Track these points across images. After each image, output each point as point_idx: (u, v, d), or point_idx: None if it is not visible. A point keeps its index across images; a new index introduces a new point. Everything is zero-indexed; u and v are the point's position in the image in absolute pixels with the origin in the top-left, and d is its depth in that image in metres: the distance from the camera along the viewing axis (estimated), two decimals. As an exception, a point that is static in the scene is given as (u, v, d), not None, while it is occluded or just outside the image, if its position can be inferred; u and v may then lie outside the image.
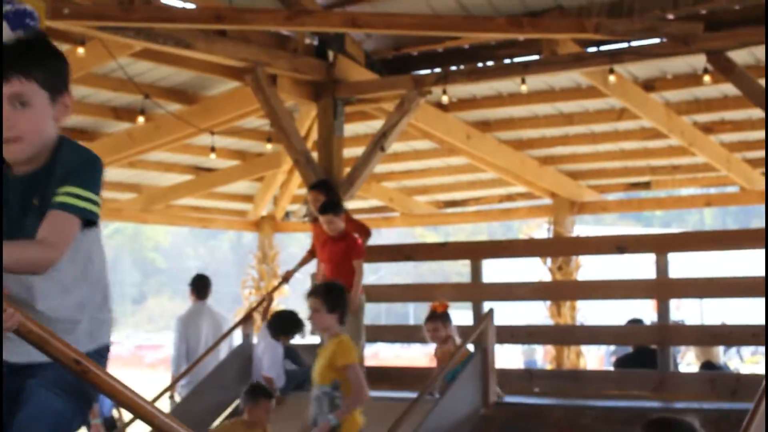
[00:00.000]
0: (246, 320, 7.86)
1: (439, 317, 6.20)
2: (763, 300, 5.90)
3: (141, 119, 7.95)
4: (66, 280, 1.82)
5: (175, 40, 6.52)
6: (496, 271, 13.54)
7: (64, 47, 5.94)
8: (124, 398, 1.83)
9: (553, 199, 10.31)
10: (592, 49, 7.06)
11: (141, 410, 1.88)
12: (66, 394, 1.82)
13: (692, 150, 8.78)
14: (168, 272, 36.51)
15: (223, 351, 7.86)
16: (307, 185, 7.82)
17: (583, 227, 12.79)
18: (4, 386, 1.84)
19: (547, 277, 9.86)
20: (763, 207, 9.51)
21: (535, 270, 10.19)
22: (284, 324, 6.93)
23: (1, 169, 1.83)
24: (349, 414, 4.50)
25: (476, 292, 7.57)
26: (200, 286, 8.31)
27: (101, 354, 1.94)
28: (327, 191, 7.17)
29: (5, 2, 4.33)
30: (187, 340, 8.03)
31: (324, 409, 4.44)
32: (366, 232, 7.38)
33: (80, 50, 6.56)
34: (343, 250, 6.76)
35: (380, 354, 18.10)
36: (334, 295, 4.70)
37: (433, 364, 6.87)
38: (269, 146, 9.27)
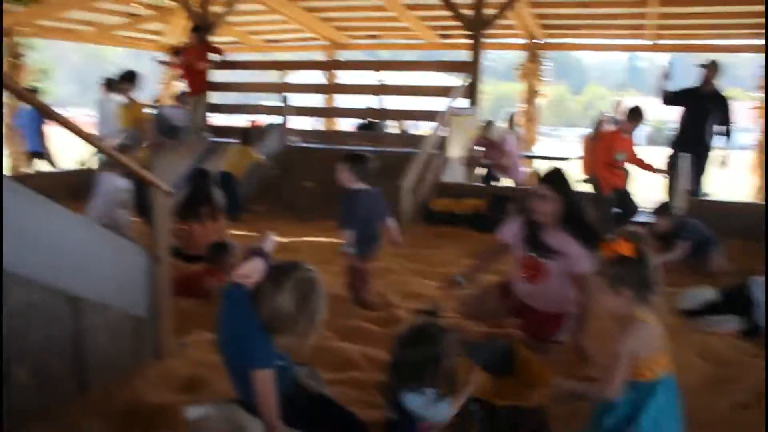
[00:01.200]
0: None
1: None
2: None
3: None
4: None
5: None
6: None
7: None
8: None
9: (328, 42, 14.81)
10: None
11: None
12: None
13: (400, 18, 12.85)
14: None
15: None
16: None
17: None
18: None
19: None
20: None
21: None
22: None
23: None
24: None
25: (284, 88, 11.74)
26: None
27: None
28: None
29: None
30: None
31: None
32: (219, 52, 10.72)
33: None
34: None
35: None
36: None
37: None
38: (171, 1, 12.67)
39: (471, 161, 9.52)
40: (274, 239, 2.80)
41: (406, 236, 6.87)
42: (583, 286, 3.66)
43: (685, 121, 8.44)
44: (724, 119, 8.23)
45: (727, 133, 8.29)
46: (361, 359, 3.76)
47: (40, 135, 10.66)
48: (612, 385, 2.44)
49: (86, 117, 15.96)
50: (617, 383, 2.44)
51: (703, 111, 8.22)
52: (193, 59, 10.18)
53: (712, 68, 8.23)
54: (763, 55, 11.13)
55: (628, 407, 2.49)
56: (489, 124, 10.02)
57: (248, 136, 8.82)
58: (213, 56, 10.46)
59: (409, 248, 6.42)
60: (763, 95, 11.50)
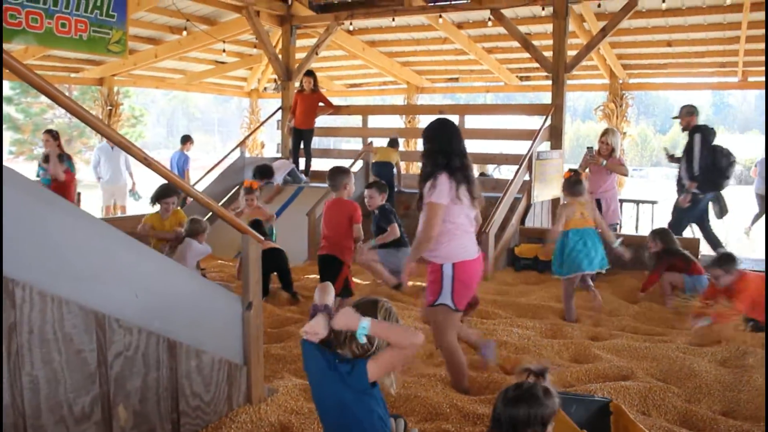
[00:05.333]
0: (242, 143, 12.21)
1: None
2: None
3: (185, 33, 11.62)
4: None
5: None
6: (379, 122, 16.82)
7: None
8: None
9: (407, 85, 15.03)
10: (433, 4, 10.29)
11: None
12: None
13: (480, 61, 13.13)
14: (202, 119, 59.76)
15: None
16: (277, 75, 11.80)
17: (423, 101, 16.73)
18: None
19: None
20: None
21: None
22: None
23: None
24: None
25: (365, 132, 11.77)
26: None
27: None
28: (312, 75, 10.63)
29: None
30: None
31: None
32: (331, 104, 10.91)
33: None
34: (315, 102, 10.54)
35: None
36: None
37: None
38: (255, 50, 13.42)
39: None
40: (332, 294, 2.90)
41: (493, 282, 6.96)
42: None
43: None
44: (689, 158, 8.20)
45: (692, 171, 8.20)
46: (449, 409, 3.70)
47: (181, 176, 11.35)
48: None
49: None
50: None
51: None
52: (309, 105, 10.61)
53: (679, 117, 8.43)
54: None
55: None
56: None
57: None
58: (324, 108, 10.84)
59: (496, 294, 6.52)
60: None
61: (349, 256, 5.69)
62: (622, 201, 8.33)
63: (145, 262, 3.10)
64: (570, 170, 6.36)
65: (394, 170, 9.64)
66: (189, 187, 3.70)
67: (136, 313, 2.96)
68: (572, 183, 5.89)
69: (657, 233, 6.68)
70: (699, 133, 8.13)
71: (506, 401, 2.48)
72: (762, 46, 11.06)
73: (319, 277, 5.95)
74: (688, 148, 8.20)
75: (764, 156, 11.83)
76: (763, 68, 11.97)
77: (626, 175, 8.10)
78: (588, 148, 8.30)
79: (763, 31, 10.49)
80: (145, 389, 3.01)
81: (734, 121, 66.91)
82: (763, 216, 11.90)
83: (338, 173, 5.81)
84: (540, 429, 2.45)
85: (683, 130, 8.40)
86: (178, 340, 3.16)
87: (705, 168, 8.06)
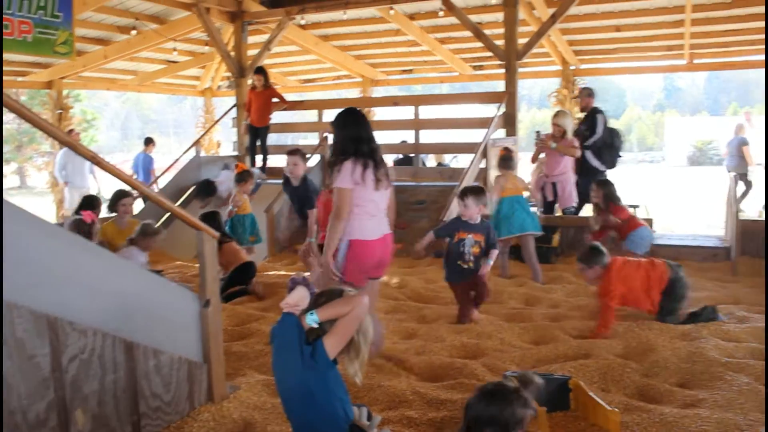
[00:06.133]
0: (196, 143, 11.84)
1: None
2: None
3: (134, 32, 11.43)
4: None
5: None
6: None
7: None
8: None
9: (362, 78, 15.06)
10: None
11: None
12: None
13: (433, 52, 13.07)
14: (157, 121, 57.79)
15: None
16: (230, 72, 11.57)
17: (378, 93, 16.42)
18: None
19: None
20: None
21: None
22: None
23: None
24: None
25: (321, 127, 11.07)
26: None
27: None
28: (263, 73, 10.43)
29: None
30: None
31: None
32: (284, 99, 10.75)
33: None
34: (268, 98, 10.38)
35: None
36: None
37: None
38: (207, 48, 13.23)
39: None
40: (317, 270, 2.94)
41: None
42: None
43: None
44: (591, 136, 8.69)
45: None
46: (413, 396, 3.72)
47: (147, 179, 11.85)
48: (491, 195, 6.46)
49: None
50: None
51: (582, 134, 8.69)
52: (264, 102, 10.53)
53: (579, 97, 8.99)
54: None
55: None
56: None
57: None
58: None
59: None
60: None
61: None
62: (577, 183, 8.38)
63: (100, 263, 3.05)
64: (503, 148, 7.56)
65: None
66: (141, 185, 3.64)
67: (91, 315, 2.91)
68: (505, 158, 7.15)
69: (599, 183, 6.87)
70: (601, 114, 8.69)
71: (481, 395, 2.51)
72: (707, 28, 11.31)
73: None
74: (591, 126, 8.62)
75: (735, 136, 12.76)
76: (709, 50, 12.29)
77: (575, 156, 8.18)
78: (536, 132, 8.43)
79: (706, 14, 10.75)
80: (103, 392, 2.96)
81: (684, 104, 68.29)
82: (749, 193, 12.62)
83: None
84: (513, 429, 2.47)
85: (581, 110, 8.95)
86: (135, 340, 3.11)
87: (603, 146, 8.63)
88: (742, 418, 3.33)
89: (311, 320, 2.63)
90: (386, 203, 4.29)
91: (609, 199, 6.63)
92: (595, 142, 8.61)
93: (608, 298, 4.87)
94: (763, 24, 10.90)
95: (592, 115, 8.72)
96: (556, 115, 8.43)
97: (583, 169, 8.58)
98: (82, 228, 5.81)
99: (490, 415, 2.45)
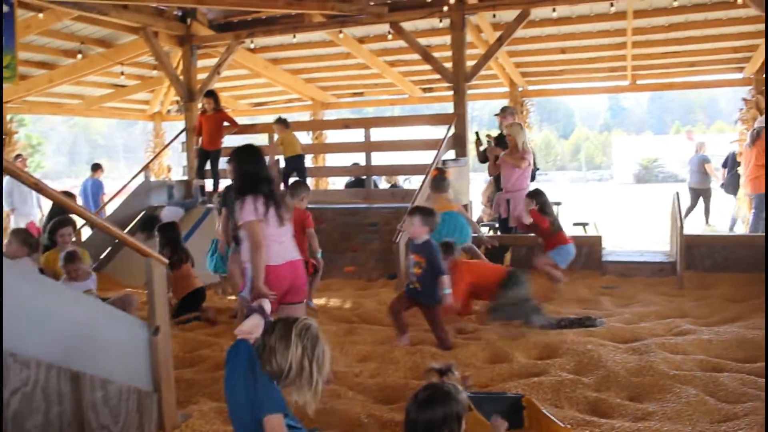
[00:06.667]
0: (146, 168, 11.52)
1: None
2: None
3: (79, 56, 11.20)
4: None
5: (97, 10, 9.43)
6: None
7: (30, 13, 9.25)
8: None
9: (312, 101, 15.14)
10: (332, 20, 10.11)
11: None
12: None
13: (383, 75, 13.21)
14: (106, 146, 56.44)
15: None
16: (179, 96, 11.58)
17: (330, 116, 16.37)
18: None
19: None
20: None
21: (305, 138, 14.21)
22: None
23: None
24: None
25: (273, 150, 10.83)
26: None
27: None
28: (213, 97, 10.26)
29: None
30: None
31: None
32: (234, 122, 10.62)
33: (40, 15, 9.26)
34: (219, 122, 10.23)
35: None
36: None
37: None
38: (155, 72, 13.07)
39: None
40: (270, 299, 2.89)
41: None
42: None
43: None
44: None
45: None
46: (368, 420, 3.70)
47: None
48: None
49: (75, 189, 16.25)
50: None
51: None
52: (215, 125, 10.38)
53: (501, 114, 9.09)
54: (736, 89, 11.64)
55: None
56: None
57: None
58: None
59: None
60: (744, 127, 11.93)
61: (305, 257, 5.85)
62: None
63: (43, 292, 2.97)
64: (436, 168, 7.53)
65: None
66: (86, 211, 3.57)
67: (35, 346, 2.82)
68: (437, 180, 7.04)
69: (532, 194, 7.13)
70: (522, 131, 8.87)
71: (419, 405, 2.48)
72: (648, 50, 11.68)
73: None
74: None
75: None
76: (650, 72, 12.69)
77: (520, 167, 8.34)
78: (475, 132, 9.11)
79: (647, 37, 11.10)
80: (48, 426, 2.86)
81: (630, 124, 70.09)
82: (694, 209, 12.97)
83: (302, 186, 6.48)
84: (456, 427, 2.47)
85: (504, 128, 8.97)
86: (81, 370, 3.03)
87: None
88: (690, 429, 3.39)
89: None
90: (291, 236, 4.46)
91: (540, 209, 6.93)
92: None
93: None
94: (698, 47, 11.37)
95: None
96: (509, 126, 8.61)
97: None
98: (28, 240, 5.63)
99: (428, 420, 2.44)
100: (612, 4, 8.97)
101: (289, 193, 6.38)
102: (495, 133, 9.35)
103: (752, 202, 10.21)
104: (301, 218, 6.17)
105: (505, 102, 13.71)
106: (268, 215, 4.22)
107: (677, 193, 7.99)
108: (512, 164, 8.33)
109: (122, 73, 12.27)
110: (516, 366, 4.56)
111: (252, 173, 4.30)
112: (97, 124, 55.40)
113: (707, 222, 13.05)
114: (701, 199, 12.96)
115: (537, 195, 7.08)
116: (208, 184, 10.75)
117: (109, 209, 11.19)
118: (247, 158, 4.39)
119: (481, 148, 9.37)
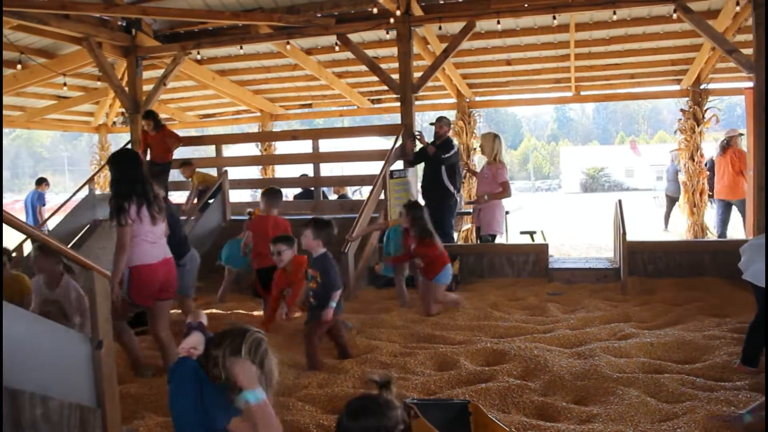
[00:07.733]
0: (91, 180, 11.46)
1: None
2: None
3: (19, 67, 10.81)
4: None
5: (37, 19, 9.08)
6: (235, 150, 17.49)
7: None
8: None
9: (261, 113, 15.01)
10: (279, 31, 10.09)
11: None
12: None
13: (331, 86, 13.24)
14: (50, 158, 57.12)
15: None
16: (125, 108, 11.24)
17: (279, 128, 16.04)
18: None
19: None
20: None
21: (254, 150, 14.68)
22: None
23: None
24: None
25: (221, 162, 11.52)
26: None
27: None
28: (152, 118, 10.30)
29: None
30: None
31: None
32: (177, 137, 10.58)
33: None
34: (163, 139, 10.20)
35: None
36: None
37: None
38: (99, 83, 12.85)
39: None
40: (204, 314, 2.97)
41: (356, 302, 7.04)
42: None
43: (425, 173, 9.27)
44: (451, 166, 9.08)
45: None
46: (316, 430, 3.69)
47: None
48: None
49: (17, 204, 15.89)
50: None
51: (434, 163, 9.05)
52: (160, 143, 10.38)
53: (437, 123, 9.21)
54: (677, 100, 12.11)
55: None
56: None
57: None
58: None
59: (362, 314, 6.63)
60: (683, 137, 12.33)
61: (269, 261, 6.08)
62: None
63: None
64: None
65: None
66: (26, 225, 3.48)
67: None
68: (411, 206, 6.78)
69: (407, 206, 6.81)
70: (453, 142, 9.36)
71: (350, 414, 2.46)
72: (590, 62, 11.98)
73: (262, 288, 6.42)
74: (447, 149, 9.04)
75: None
76: (593, 83, 13.02)
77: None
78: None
79: (589, 49, 11.38)
80: (-16, 445, 2.77)
81: (576, 134, 71.54)
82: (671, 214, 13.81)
83: (276, 194, 6.74)
84: None
85: (436, 137, 9.22)
86: (19, 387, 2.94)
87: (454, 171, 9.14)
88: (632, 430, 3.48)
89: (250, 398, 2.57)
90: (163, 232, 4.77)
91: (421, 231, 6.56)
92: (450, 165, 9.02)
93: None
94: (638, 59, 11.72)
95: (449, 141, 9.20)
96: (484, 136, 9.06)
97: (437, 189, 9.03)
98: None
99: (373, 427, 2.42)
100: (555, 17, 9.16)
101: (267, 201, 6.65)
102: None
103: (717, 209, 10.69)
104: (283, 225, 6.48)
105: (452, 113, 13.88)
106: (141, 214, 4.50)
107: (620, 201, 8.18)
108: (500, 198, 8.75)
109: (65, 84, 11.95)
110: (464, 372, 4.60)
111: (128, 176, 4.54)
112: (41, 137, 54.09)
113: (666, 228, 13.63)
114: (676, 205, 13.54)
115: (416, 209, 6.71)
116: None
117: (53, 222, 10.94)
118: (122, 162, 4.65)
119: (416, 149, 9.42)
